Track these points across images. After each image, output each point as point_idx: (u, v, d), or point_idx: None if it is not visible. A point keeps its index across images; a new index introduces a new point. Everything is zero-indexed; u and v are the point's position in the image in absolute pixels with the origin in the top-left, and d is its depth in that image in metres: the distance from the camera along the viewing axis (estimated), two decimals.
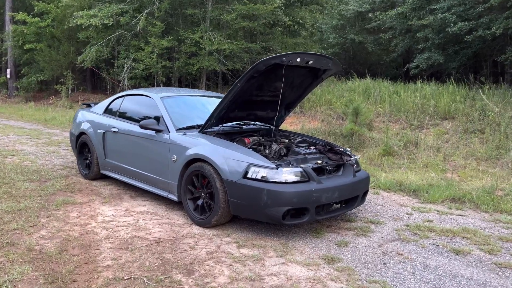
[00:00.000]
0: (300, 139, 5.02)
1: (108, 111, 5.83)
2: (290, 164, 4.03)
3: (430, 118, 10.70)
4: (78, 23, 15.57)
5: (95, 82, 22.11)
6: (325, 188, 3.87)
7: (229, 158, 3.96)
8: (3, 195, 4.99)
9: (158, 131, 4.72)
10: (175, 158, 4.46)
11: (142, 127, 4.72)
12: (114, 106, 5.76)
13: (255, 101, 4.73)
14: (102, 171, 5.76)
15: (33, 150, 8.15)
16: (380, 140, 9.51)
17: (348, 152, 4.46)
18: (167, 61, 15.84)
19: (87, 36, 17.11)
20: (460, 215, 4.90)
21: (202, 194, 4.25)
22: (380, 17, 20.63)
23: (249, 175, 3.82)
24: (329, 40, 24.06)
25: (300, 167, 3.94)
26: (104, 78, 19.05)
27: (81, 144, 6.08)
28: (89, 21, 15.33)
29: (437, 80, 14.44)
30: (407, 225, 4.41)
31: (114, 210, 4.69)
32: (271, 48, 17.00)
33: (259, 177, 3.79)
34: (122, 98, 5.71)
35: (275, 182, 3.75)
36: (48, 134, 10.78)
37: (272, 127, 5.41)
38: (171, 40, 15.52)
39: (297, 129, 10.75)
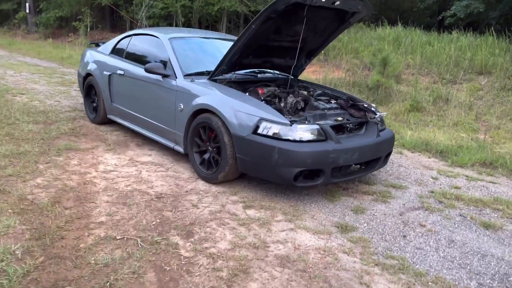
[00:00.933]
0: (320, 92, 4.56)
1: (115, 51, 5.43)
2: (306, 120, 3.61)
3: (465, 72, 9.92)
4: None
5: (114, 20, 21.46)
6: (344, 148, 3.47)
7: (239, 111, 3.56)
8: (4, 136, 4.77)
9: (164, 76, 4.32)
10: (182, 107, 4.09)
11: (147, 70, 4.32)
12: (121, 47, 5.34)
13: (272, 47, 4.23)
14: (109, 116, 5.47)
15: (44, 90, 7.90)
16: (408, 94, 8.90)
17: (372, 109, 3.99)
18: (187, 0, 15.05)
19: None
20: (492, 182, 4.46)
21: (209, 148, 3.91)
22: None
23: (259, 131, 3.44)
24: None
25: (318, 124, 3.52)
26: (123, 17, 18.40)
27: (88, 86, 5.75)
28: None
29: (474, 30, 13.35)
30: (432, 192, 4.01)
31: (118, 158, 4.43)
32: None
33: (270, 133, 3.40)
34: (130, 38, 5.27)
35: (288, 140, 3.36)
36: (62, 73, 10.51)
37: (290, 76, 4.93)
38: None
39: (319, 79, 10.17)
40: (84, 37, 18.40)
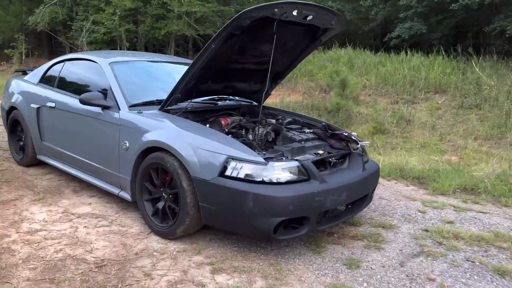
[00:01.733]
0: (290, 119, 3.97)
1: (44, 80, 4.58)
2: (283, 156, 2.98)
3: (420, 92, 9.83)
4: None
5: (52, 47, 20.16)
6: (330, 189, 2.86)
7: (200, 148, 2.87)
8: None
9: (104, 107, 3.56)
10: (127, 144, 3.33)
11: (82, 101, 3.54)
12: (52, 74, 4.50)
13: (235, 70, 3.61)
14: (39, 157, 4.56)
15: None
16: (368, 116, 8.59)
17: (354, 138, 3.44)
18: (131, 24, 14.26)
19: None
20: (481, 212, 4.02)
21: (163, 194, 3.17)
22: None
23: (228, 173, 2.76)
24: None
25: (297, 160, 2.90)
26: (62, 43, 17.24)
27: (13, 122, 4.83)
28: None
29: (418, 51, 13.57)
30: (426, 230, 3.48)
31: (48, 212, 3.56)
32: None
33: (241, 175, 2.73)
34: (62, 64, 4.45)
35: (264, 183, 2.71)
36: None
37: (254, 103, 4.32)
38: (136, 0, 13.93)
39: (276, 103, 9.69)
40: (19, 65, 16.98)
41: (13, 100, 4.74)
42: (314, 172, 2.83)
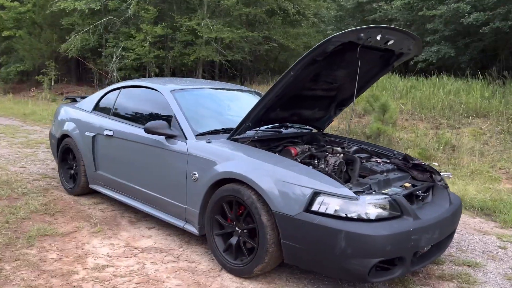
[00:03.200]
0: (356, 147, 3.78)
1: (98, 108, 4.51)
2: (371, 189, 2.78)
3: (460, 117, 9.56)
4: (62, 7, 14.08)
5: (80, 73, 20.51)
6: (424, 226, 2.64)
7: (282, 180, 2.70)
8: None
9: (170, 136, 3.44)
10: (196, 175, 3.18)
11: (148, 131, 3.42)
12: (107, 102, 4.43)
13: (304, 97, 3.47)
14: (91, 186, 4.45)
15: (6, 153, 6.76)
16: (410, 141, 8.34)
17: (435, 169, 3.23)
18: (161, 50, 14.42)
19: (72, 23, 15.60)
20: None
21: (236, 229, 2.99)
22: (385, 7, 19.58)
23: (314, 208, 2.57)
24: (327, 32, 22.82)
25: (387, 194, 2.70)
26: (91, 69, 17.52)
27: (64, 150, 4.75)
28: (74, 5, 13.87)
29: (445, 74, 13.33)
30: None
31: (110, 245, 3.40)
32: (273, 38, 15.65)
33: (330, 211, 2.53)
34: (118, 91, 4.37)
35: (356, 219, 2.50)
36: (26, 131, 9.35)
37: (314, 130, 4.16)
38: (165, 27, 14.12)
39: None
40: (48, 91, 17.28)
41: (65, 128, 4.68)
42: (407, 208, 2.62)
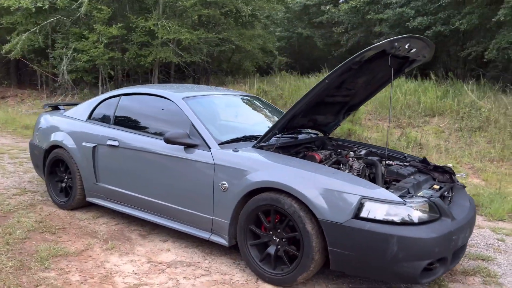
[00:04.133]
0: (366, 151, 3.89)
1: (94, 116, 4.27)
2: (408, 193, 2.89)
3: (420, 116, 10.13)
4: (5, 5, 13.10)
5: (21, 75, 19.22)
6: (460, 226, 2.79)
7: (325, 188, 2.73)
8: None
9: (190, 146, 3.34)
10: (226, 185, 3.12)
11: (168, 141, 3.30)
12: (105, 111, 4.20)
13: (324, 103, 3.52)
14: (90, 199, 4.21)
15: None
16: (379, 140, 8.69)
17: (452, 170, 3.42)
18: (116, 51, 13.87)
19: (13, 22, 14.55)
20: None
21: (274, 238, 2.97)
22: (332, 10, 20.27)
23: (363, 214, 2.62)
24: (276, 34, 23.18)
25: (425, 197, 2.82)
26: (35, 71, 16.45)
27: (54, 161, 4.44)
28: (19, 3, 12.96)
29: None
30: None
31: (132, 262, 3.24)
32: (230, 39, 15.61)
33: (379, 216, 2.60)
34: (116, 99, 4.16)
35: (404, 224, 2.59)
36: None
37: (320, 134, 4.24)
38: (121, 28, 13.59)
39: None
40: None
41: (55, 138, 4.37)
42: (445, 209, 2.76)
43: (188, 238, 3.71)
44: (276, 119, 4.31)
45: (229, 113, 4.01)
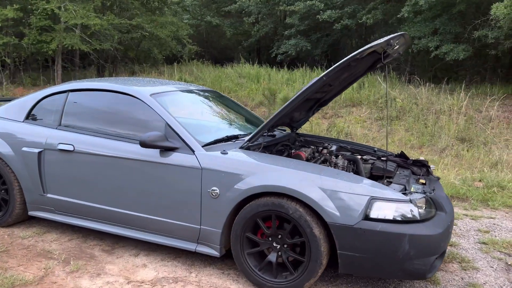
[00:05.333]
0: (336, 146, 3.89)
1: (34, 117, 3.64)
2: (406, 190, 2.91)
3: (341, 106, 10.61)
4: None
5: None
6: (452, 217, 2.91)
7: (333, 190, 2.63)
8: None
9: (169, 149, 3.01)
10: (217, 192, 2.86)
11: (144, 144, 2.93)
12: (48, 110, 3.60)
13: (306, 100, 3.41)
14: (33, 213, 3.61)
15: None
16: (305, 130, 8.90)
17: (427, 163, 3.56)
18: (13, 37, 12.24)
19: None
20: (492, 218, 4.53)
21: (274, 244, 2.81)
22: (243, 0, 20.32)
23: (373, 215, 2.58)
24: (184, 21, 22.55)
25: (424, 193, 2.87)
26: None
27: None
28: None
29: (303, 66, 14.63)
30: (484, 243, 3.77)
31: (107, 284, 2.84)
32: (142, 26, 14.73)
33: (389, 216, 2.58)
34: (63, 95, 3.58)
35: (411, 221, 2.61)
36: None
37: (286, 130, 4.14)
38: (16, 9, 12.00)
39: None
40: None
41: None
42: (440, 204, 2.85)
43: (161, 249, 3.37)
44: (241, 115, 4.12)
45: (197, 110, 3.70)
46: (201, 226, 2.96)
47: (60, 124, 3.49)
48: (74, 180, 3.35)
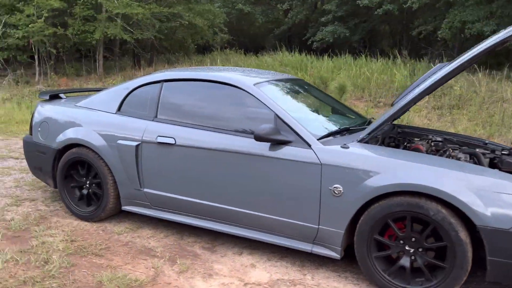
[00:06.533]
0: (441, 138, 3.59)
1: (126, 108, 3.48)
2: None
3: (394, 95, 10.21)
4: None
5: None
6: None
7: (483, 190, 2.37)
8: None
9: (282, 142, 2.80)
10: (341, 189, 2.64)
11: (259, 138, 2.74)
12: (142, 101, 3.43)
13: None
14: (127, 207, 3.48)
15: None
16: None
17: None
18: (58, 27, 12.26)
19: None
20: None
21: (407, 248, 2.57)
22: None
23: None
24: (217, 9, 22.27)
25: None
26: None
27: (71, 163, 3.60)
28: None
29: (339, 53, 14.23)
30: None
31: (223, 286, 2.67)
32: (182, 14, 14.54)
33: None
34: (157, 86, 3.40)
35: None
36: None
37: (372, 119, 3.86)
38: (60, 0, 12.00)
39: None
40: None
41: (74, 135, 3.52)
42: None
43: (264, 247, 3.20)
44: (336, 105, 3.86)
45: (295, 101, 3.47)
46: (319, 226, 2.75)
47: (156, 116, 3.33)
48: (173, 174, 3.19)
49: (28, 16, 11.93)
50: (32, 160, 3.94)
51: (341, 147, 2.72)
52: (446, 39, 14.24)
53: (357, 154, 2.66)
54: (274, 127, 2.77)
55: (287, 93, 3.47)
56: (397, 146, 3.15)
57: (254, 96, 3.02)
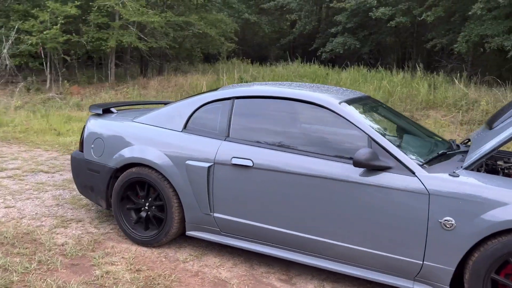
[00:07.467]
0: None
1: (193, 125, 3.24)
2: None
3: (418, 109, 10.04)
4: None
5: None
6: None
7: None
8: None
9: (381, 168, 2.56)
10: (453, 223, 2.40)
11: (359, 164, 2.50)
12: (210, 119, 3.19)
13: None
14: (191, 233, 3.21)
15: None
16: None
17: None
18: (73, 34, 12.01)
19: None
20: None
21: None
22: None
23: None
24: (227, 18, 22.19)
25: None
26: None
27: (130, 184, 3.34)
28: None
29: (349, 64, 14.10)
30: None
31: None
32: (195, 24, 14.35)
33: None
34: (228, 103, 3.16)
35: None
36: None
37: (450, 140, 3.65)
38: (77, 6, 11.77)
39: None
40: None
41: (136, 154, 3.25)
42: None
43: (344, 279, 2.94)
44: (412, 125, 3.61)
45: (381, 122, 3.24)
46: (424, 262, 2.51)
47: (228, 135, 3.08)
48: (249, 199, 2.93)
49: (41, 22, 11.69)
50: (82, 179, 3.67)
51: (449, 175, 2.49)
52: (461, 52, 14.15)
53: (471, 184, 2.43)
54: (372, 151, 2.54)
55: (369, 112, 3.24)
56: (495, 172, 2.92)
57: (342, 116, 2.79)
